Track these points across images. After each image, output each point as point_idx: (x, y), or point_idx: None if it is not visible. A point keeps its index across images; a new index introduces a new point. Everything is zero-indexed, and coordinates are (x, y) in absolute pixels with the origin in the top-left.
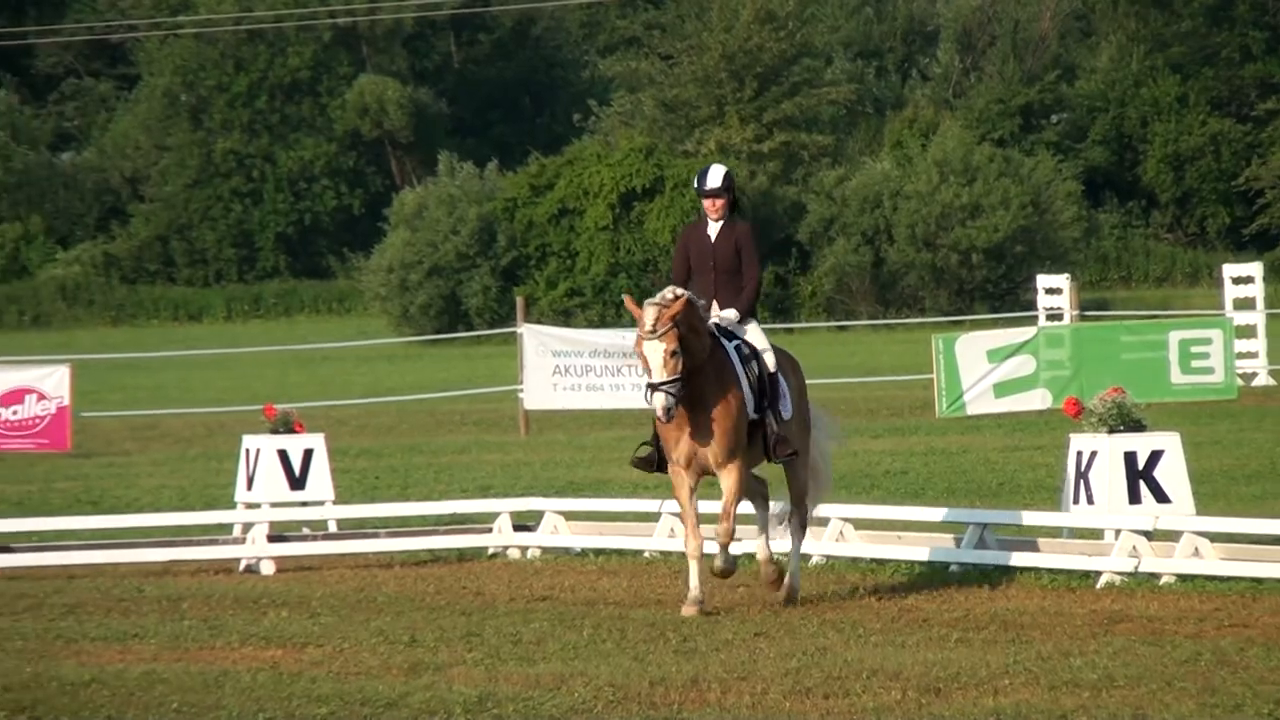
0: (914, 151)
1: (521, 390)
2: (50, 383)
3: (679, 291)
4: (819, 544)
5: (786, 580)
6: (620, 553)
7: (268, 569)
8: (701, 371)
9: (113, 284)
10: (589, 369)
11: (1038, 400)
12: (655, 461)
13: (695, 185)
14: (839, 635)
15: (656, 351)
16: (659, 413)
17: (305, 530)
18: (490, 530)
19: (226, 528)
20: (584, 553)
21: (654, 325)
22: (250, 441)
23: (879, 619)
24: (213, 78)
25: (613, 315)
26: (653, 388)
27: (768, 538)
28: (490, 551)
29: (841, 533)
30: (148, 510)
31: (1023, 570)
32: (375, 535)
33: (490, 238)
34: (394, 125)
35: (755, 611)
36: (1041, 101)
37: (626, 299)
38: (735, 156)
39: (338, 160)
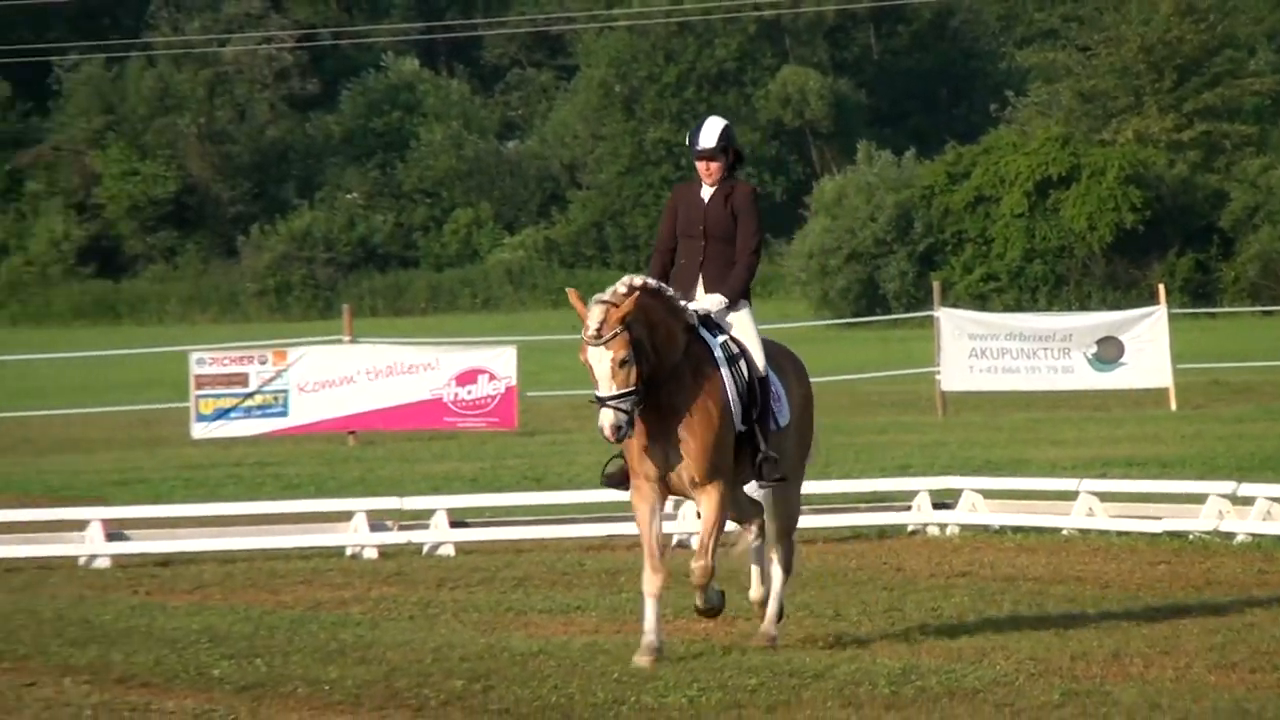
0: None
1: (938, 372)
2: (500, 363)
3: (635, 282)
4: (1244, 523)
5: (763, 626)
6: (1039, 530)
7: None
8: (675, 374)
9: (553, 268)
10: (1005, 351)
11: None
12: (627, 478)
13: (687, 142)
14: (1265, 611)
15: (602, 360)
16: (607, 433)
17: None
18: (909, 508)
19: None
20: (1002, 530)
21: (599, 329)
22: None
23: None
24: (644, 69)
25: (1029, 300)
26: (600, 402)
27: (765, 573)
28: (910, 529)
29: (1269, 512)
30: (587, 487)
31: None
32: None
33: (907, 224)
34: (815, 115)
35: (1177, 588)
36: None
37: (571, 295)
38: (1154, 145)
39: (761, 148)
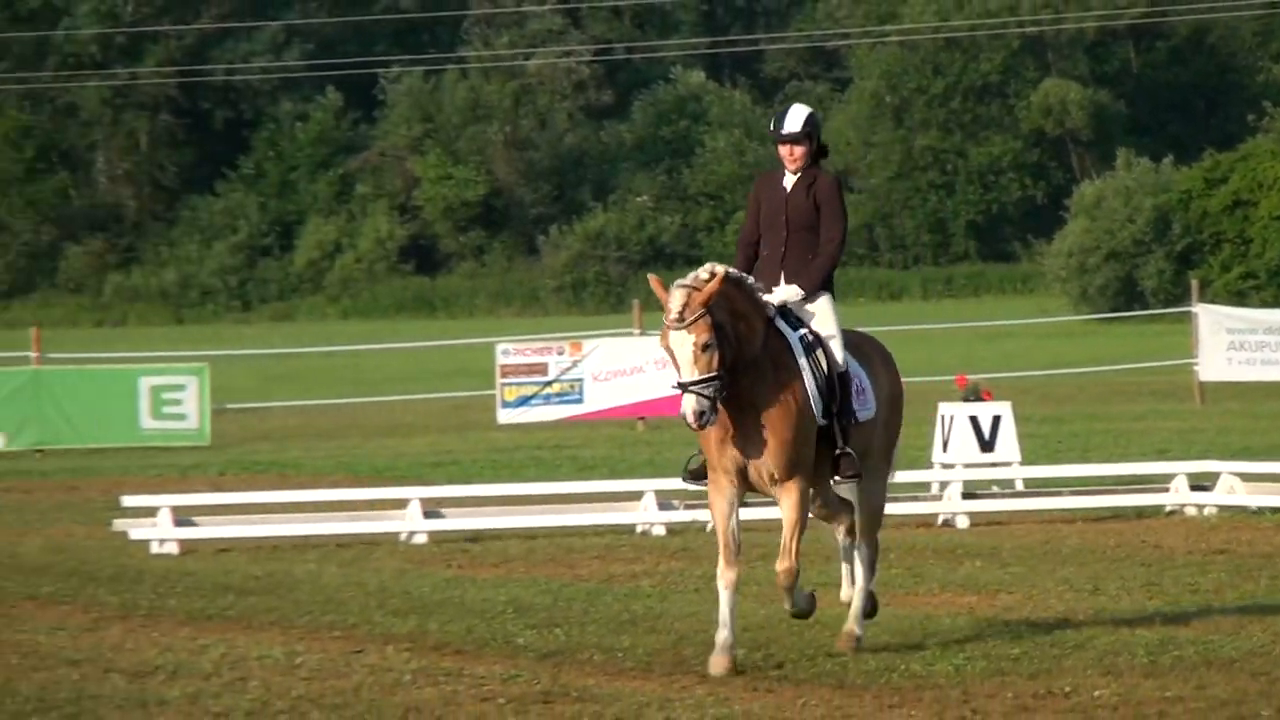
0: None
1: (1196, 363)
2: None
3: (716, 269)
4: None
5: (846, 625)
6: None
7: (962, 523)
8: (754, 366)
9: None
10: (1264, 345)
11: None
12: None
13: (770, 129)
14: None
15: (685, 344)
16: (690, 419)
17: (994, 488)
18: (1167, 489)
19: (924, 486)
20: (1260, 511)
21: (681, 312)
22: (945, 409)
23: None
24: (914, 81)
25: None
26: (682, 388)
27: (854, 573)
28: (1167, 509)
29: None
30: None
31: None
32: (1059, 493)
33: (1165, 226)
34: (1075, 124)
35: None
36: None
37: (652, 280)
38: None
39: (1023, 155)
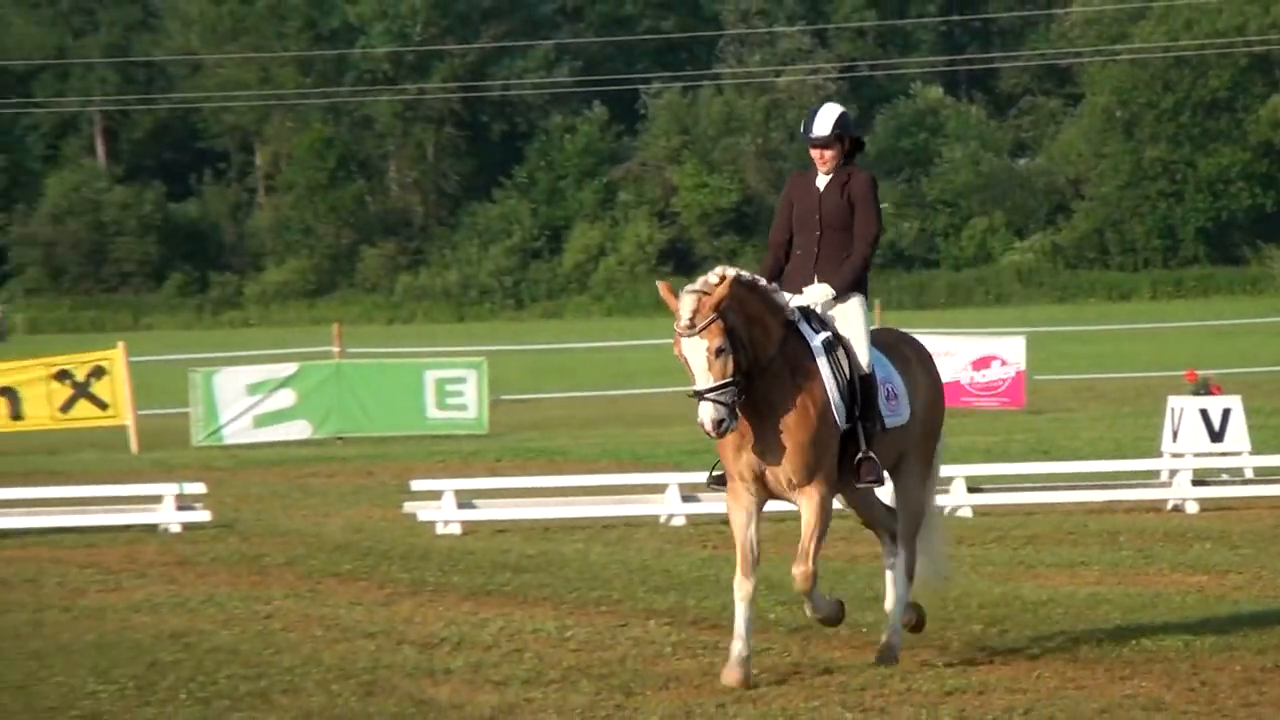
0: None
1: None
2: (1010, 350)
3: (727, 272)
4: None
5: (885, 636)
6: None
7: (1192, 508)
8: (771, 370)
9: (1058, 269)
10: None
11: None
12: None
13: (802, 132)
14: None
15: (698, 351)
16: (708, 428)
17: (1224, 476)
18: None
19: (1154, 473)
20: None
21: (692, 319)
22: (1175, 401)
23: None
24: (1144, 96)
25: None
26: (698, 396)
27: (896, 582)
28: None
29: None
30: (1089, 458)
31: None
32: None
33: None
34: None
35: None
36: None
37: (662, 287)
38: None
39: (1252, 166)
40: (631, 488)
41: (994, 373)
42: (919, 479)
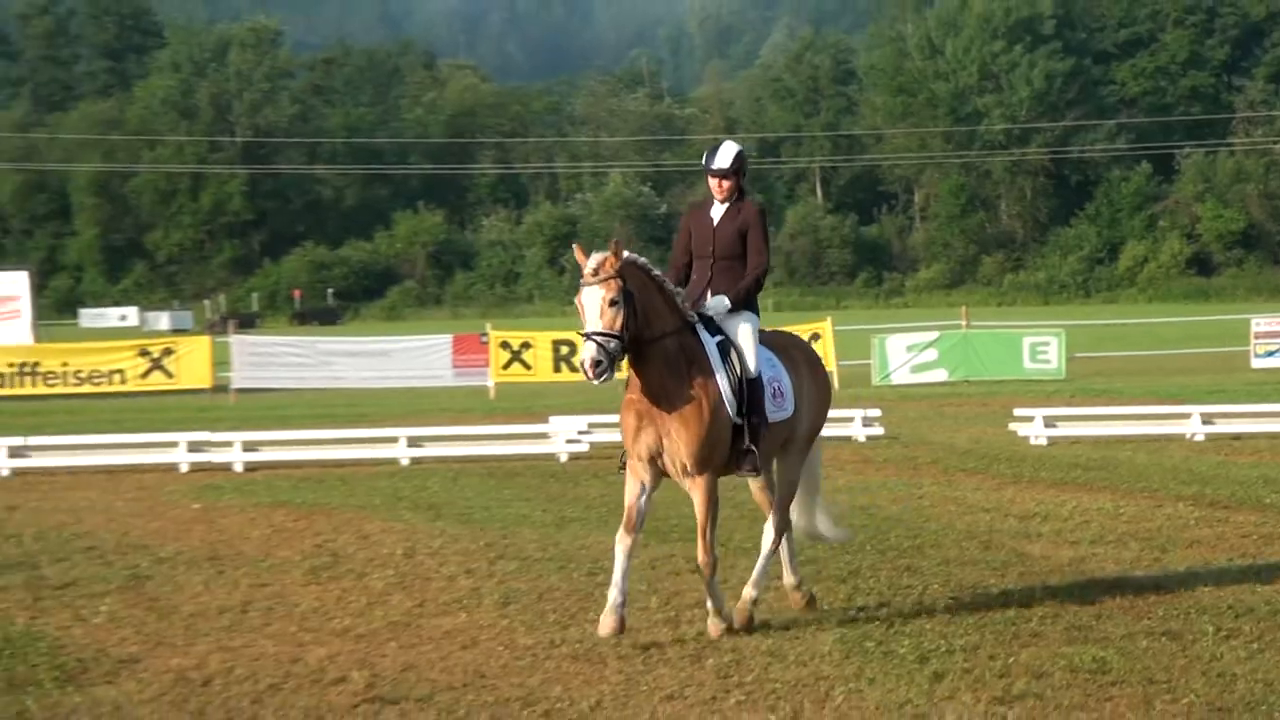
0: None
1: None
2: None
3: (627, 255)
4: None
5: (746, 588)
6: None
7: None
8: (667, 358)
9: None
10: None
11: None
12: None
13: (703, 163)
14: None
15: (595, 297)
16: (586, 365)
17: None
18: None
19: None
20: None
21: (596, 268)
22: None
23: None
24: None
25: None
26: (586, 336)
27: (793, 562)
28: None
29: None
30: None
31: None
32: None
33: None
34: None
35: None
36: None
37: (576, 248)
38: None
39: None
40: (1160, 417)
41: None
42: (797, 461)
